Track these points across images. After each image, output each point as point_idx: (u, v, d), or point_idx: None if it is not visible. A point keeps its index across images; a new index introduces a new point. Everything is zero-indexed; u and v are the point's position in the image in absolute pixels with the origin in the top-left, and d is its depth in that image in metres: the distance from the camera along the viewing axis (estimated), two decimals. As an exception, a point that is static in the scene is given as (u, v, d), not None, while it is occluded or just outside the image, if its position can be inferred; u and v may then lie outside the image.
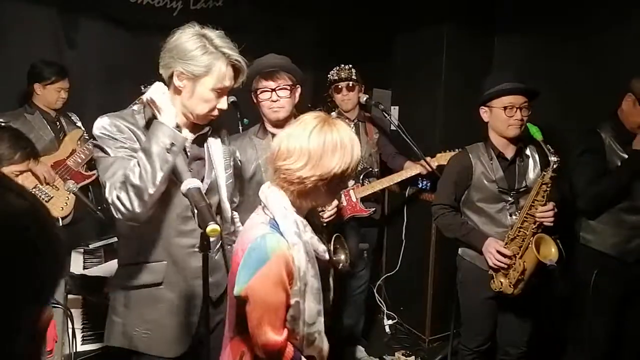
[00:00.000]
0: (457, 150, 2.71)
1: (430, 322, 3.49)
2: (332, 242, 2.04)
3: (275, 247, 1.29)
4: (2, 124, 2.61)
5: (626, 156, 2.32)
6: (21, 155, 1.86)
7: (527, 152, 2.35)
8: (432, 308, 3.47)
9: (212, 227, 1.14)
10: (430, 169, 2.90)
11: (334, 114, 3.09)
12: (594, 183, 2.34)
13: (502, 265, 2.18)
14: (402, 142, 3.00)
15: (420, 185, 3.33)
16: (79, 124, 3.13)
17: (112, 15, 3.39)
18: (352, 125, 3.00)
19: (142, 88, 3.20)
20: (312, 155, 1.31)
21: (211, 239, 1.25)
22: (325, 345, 1.47)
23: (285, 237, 1.32)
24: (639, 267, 2.35)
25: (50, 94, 2.95)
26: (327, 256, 1.44)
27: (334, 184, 1.35)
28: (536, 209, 2.14)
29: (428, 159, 2.92)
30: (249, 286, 1.28)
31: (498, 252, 2.19)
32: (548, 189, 2.12)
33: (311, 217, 1.47)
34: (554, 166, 2.08)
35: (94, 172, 3.04)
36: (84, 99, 3.29)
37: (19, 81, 3.04)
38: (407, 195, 3.56)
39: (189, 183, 1.30)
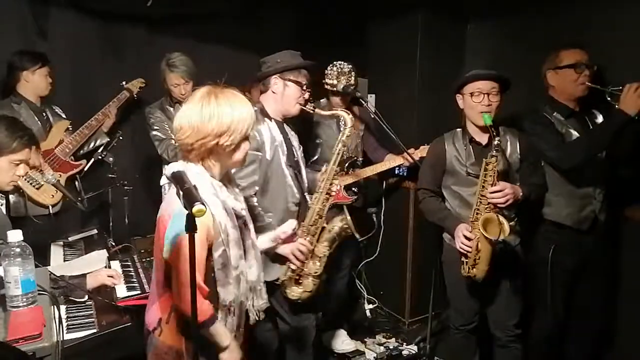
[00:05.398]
0: None
1: (410, 305, 3.58)
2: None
3: None
4: None
5: (573, 129, 2.43)
6: (19, 143, 1.88)
7: (506, 138, 2.39)
8: (411, 291, 3.55)
9: (198, 207, 1.17)
10: (412, 161, 2.97)
11: (323, 100, 3.11)
12: (566, 143, 2.41)
13: (467, 249, 2.24)
14: (380, 129, 3.05)
15: (397, 172, 3.39)
16: (64, 116, 3.10)
17: (84, 4, 3.34)
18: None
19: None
20: (192, 124, 1.52)
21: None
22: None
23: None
24: (591, 236, 2.48)
25: (40, 80, 2.93)
26: (244, 212, 1.69)
27: (224, 146, 1.54)
28: (486, 189, 2.20)
29: (411, 150, 2.99)
30: (178, 246, 1.46)
31: (464, 236, 2.24)
32: (494, 168, 2.18)
33: (228, 182, 1.71)
34: (495, 148, 2.15)
35: (82, 161, 3.05)
36: (56, 89, 3.23)
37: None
38: (384, 182, 3.63)
39: (173, 167, 1.32)
